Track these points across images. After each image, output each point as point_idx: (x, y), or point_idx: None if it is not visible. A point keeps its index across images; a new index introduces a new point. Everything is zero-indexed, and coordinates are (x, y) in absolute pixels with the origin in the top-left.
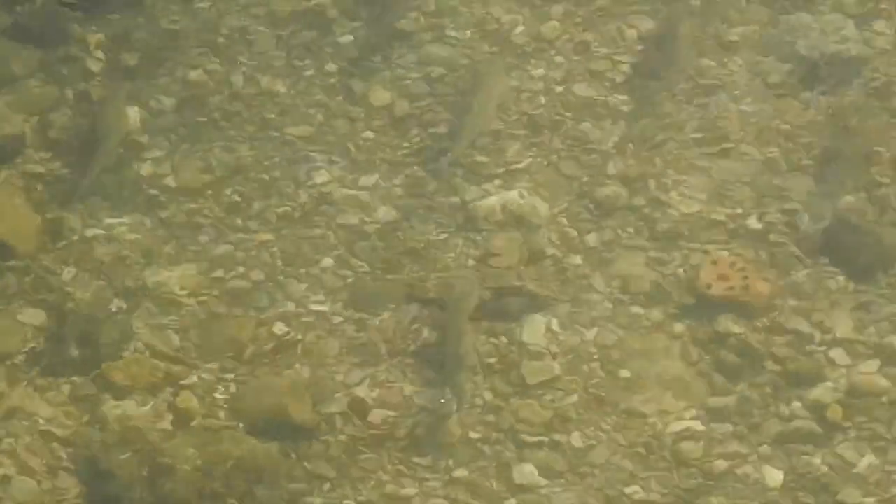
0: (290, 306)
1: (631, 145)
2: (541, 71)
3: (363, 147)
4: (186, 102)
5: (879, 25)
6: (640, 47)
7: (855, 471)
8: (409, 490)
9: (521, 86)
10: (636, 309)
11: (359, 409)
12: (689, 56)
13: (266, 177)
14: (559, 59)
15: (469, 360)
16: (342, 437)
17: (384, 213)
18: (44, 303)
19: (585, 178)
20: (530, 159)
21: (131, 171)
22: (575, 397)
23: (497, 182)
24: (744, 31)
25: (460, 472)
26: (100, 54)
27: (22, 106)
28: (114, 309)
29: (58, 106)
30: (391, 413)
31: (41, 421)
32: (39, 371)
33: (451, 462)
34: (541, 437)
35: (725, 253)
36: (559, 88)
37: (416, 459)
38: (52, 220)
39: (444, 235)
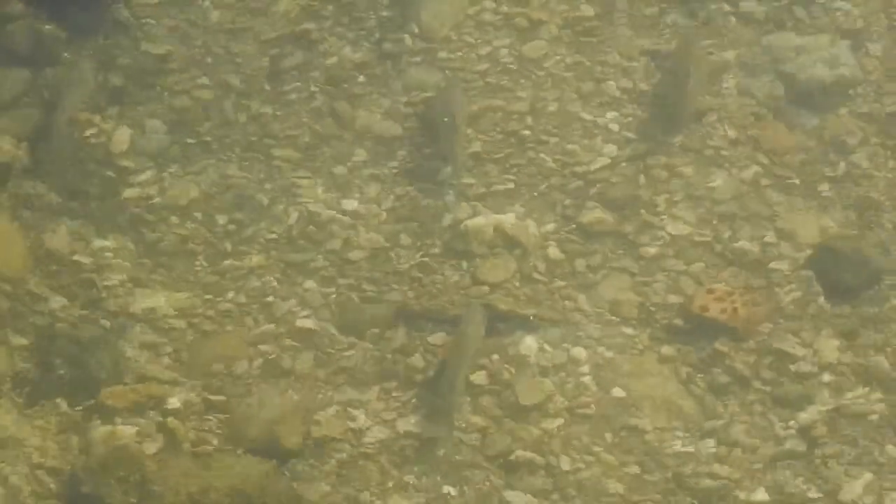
0: (279, 328)
1: (622, 165)
2: (526, 92)
3: (350, 168)
4: (175, 125)
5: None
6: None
7: (841, 493)
8: None
9: (508, 106)
10: (627, 330)
11: (349, 431)
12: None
13: (254, 200)
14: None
15: (459, 387)
16: (332, 460)
17: (372, 235)
18: (32, 326)
19: (571, 201)
20: (518, 180)
21: (119, 195)
22: (565, 418)
23: (485, 203)
24: (732, 53)
25: (450, 493)
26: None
27: (10, 129)
28: (102, 331)
29: (45, 129)
30: (381, 434)
31: (28, 447)
32: (27, 396)
33: (440, 482)
34: (532, 458)
35: (715, 275)
36: (549, 107)
37: (406, 478)
38: (39, 242)
39: (432, 257)
